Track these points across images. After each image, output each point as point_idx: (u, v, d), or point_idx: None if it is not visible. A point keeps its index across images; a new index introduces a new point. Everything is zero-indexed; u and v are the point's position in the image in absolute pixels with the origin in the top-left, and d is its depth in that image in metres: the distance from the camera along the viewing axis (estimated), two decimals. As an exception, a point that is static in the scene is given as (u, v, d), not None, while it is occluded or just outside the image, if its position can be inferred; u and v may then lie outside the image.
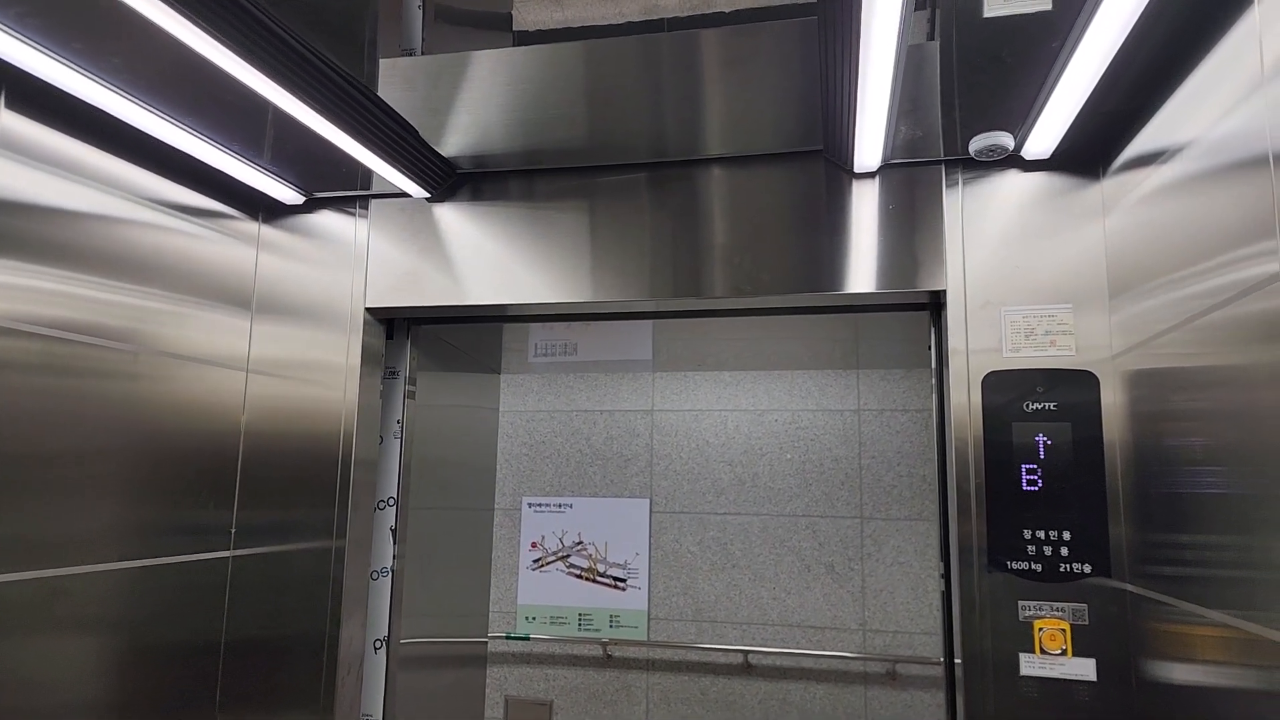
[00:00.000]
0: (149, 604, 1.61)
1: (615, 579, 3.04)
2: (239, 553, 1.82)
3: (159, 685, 1.64)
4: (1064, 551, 1.51)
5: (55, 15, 1.21)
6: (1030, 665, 1.50)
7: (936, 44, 1.40)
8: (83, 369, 1.47)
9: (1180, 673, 1.29)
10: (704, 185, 1.75)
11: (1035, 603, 1.52)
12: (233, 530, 1.82)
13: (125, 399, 1.56)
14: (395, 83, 1.67)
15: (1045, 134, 1.49)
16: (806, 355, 2.76)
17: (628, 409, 3.13)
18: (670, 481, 3.05)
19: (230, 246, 1.84)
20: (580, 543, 3.09)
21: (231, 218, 1.85)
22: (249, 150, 1.68)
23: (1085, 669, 1.48)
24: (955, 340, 1.60)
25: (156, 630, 1.63)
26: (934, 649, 2.76)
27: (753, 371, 3.04)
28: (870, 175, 1.68)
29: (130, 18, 1.13)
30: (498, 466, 3.19)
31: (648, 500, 3.05)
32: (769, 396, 3.01)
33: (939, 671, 2.74)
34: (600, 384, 3.17)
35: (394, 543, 1.97)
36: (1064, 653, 1.49)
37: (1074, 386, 1.54)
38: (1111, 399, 1.52)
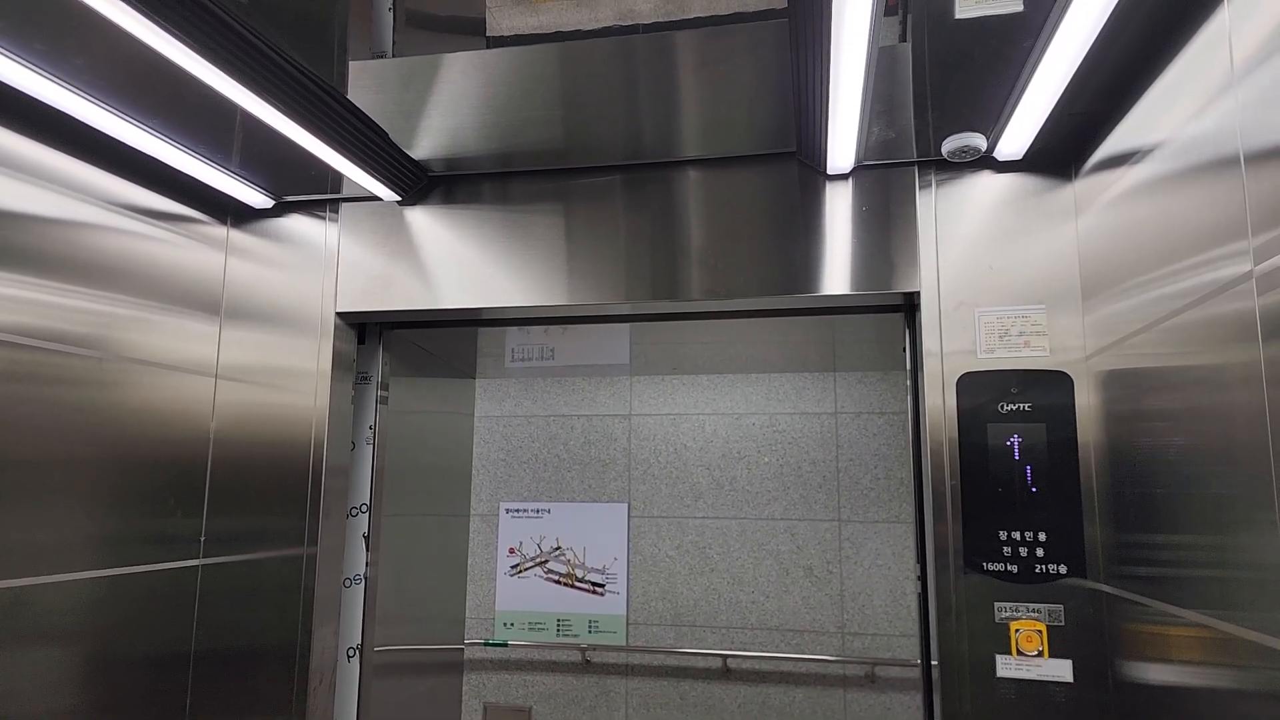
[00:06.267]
0: (116, 613, 1.58)
1: (594, 584, 3.02)
2: (208, 561, 1.79)
3: (127, 696, 1.61)
4: (1040, 553, 1.51)
5: (14, 15, 1.18)
6: (1007, 666, 1.50)
7: (909, 45, 1.40)
8: (47, 376, 1.44)
9: (1156, 673, 1.29)
10: (679, 187, 1.75)
11: (1011, 604, 1.52)
12: (202, 538, 1.79)
13: (91, 406, 1.53)
14: (365, 85, 1.65)
15: (1017, 135, 1.49)
16: (784, 358, 2.76)
17: (605, 413, 3.11)
18: (648, 486, 3.04)
19: (198, 251, 1.82)
20: (558, 548, 3.07)
21: (199, 222, 1.82)
22: (216, 154, 1.65)
23: (1062, 670, 1.48)
24: (929, 341, 1.60)
25: (124, 640, 1.60)
26: (912, 651, 2.76)
27: (730, 375, 3.03)
28: (844, 177, 1.68)
29: (92, 19, 1.10)
30: (474, 472, 3.17)
31: (626, 505, 3.04)
32: (746, 400, 3.01)
33: (918, 673, 2.74)
34: (577, 389, 3.15)
35: (367, 550, 1.95)
36: (1040, 654, 1.49)
37: (1048, 387, 1.54)
38: (1086, 399, 1.52)
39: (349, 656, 1.91)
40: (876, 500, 2.87)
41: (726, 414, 3.02)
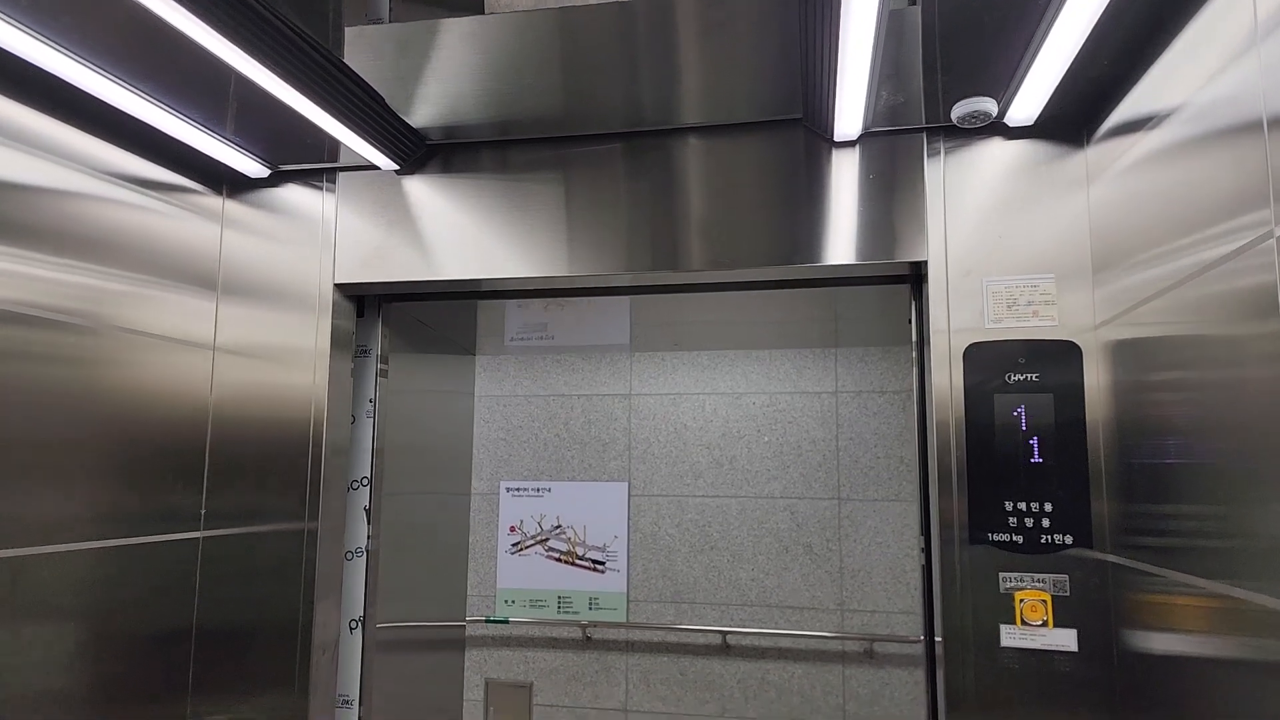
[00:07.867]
0: (117, 587, 1.57)
1: (594, 562, 3.01)
2: (209, 534, 1.77)
3: (129, 670, 1.60)
4: (1045, 523, 1.50)
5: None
6: (1011, 636, 1.49)
7: (918, 8, 1.37)
8: (41, 351, 1.42)
9: (1161, 642, 1.28)
10: (681, 155, 1.72)
11: (1016, 574, 1.51)
12: (202, 512, 1.77)
13: (86, 380, 1.51)
14: (362, 51, 1.62)
15: (1029, 100, 1.46)
16: (785, 334, 2.74)
17: (605, 393, 3.10)
18: (649, 465, 3.03)
19: (193, 222, 1.79)
20: (559, 526, 3.06)
21: (194, 192, 1.79)
22: (211, 120, 1.62)
23: (1066, 639, 1.48)
24: (936, 311, 1.58)
25: (126, 614, 1.59)
26: (911, 628, 2.76)
27: (730, 353, 3.01)
28: (850, 144, 1.66)
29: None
30: (475, 450, 3.16)
31: (626, 484, 3.03)
32: (746, 379, 2.99)
33: (916, 649, 2.74)
34: (578, 368, 3.14)
35: (368, 523, 1.94)
36: (1045, 624, 1.49)
37: (1056, 357, 1.53)
38: (1094, 369, 1.51)
39: (351, 629, 1.90)
40: (876, 479, 2.86)
41: (726, 393, 3.01)
